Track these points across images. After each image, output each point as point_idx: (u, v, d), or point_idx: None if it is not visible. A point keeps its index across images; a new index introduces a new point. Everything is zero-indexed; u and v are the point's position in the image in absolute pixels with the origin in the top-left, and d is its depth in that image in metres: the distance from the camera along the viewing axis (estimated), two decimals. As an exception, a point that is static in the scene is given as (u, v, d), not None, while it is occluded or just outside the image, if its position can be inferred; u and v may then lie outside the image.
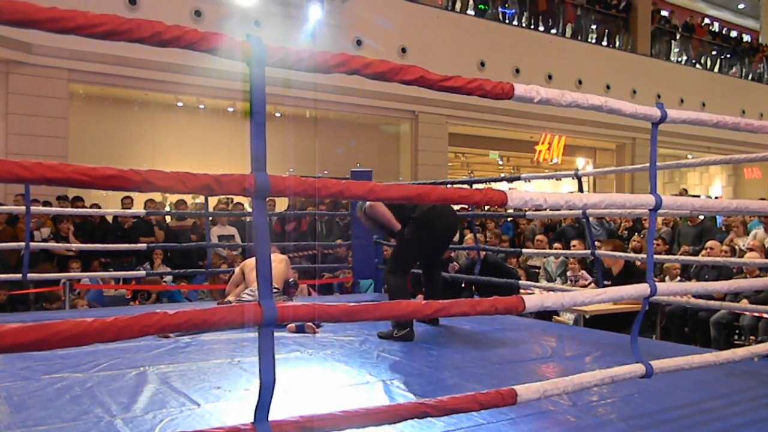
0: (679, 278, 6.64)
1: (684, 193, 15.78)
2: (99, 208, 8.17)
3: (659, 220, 8.15)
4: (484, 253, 6.13)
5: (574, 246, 7.20)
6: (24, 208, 5.24)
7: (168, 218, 9.15)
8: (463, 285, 6.50)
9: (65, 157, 9.28)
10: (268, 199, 1.73)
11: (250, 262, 5.02)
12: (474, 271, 5.94)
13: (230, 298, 4.95)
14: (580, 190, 6.11)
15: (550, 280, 7.40)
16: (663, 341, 5.84)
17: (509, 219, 9.86)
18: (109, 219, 8.43)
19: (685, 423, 2.61)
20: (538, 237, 8.34)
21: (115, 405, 2.65)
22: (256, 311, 1.62)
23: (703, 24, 19.65)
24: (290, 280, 5.01)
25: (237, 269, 5.28)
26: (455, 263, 7.07)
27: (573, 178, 5.47)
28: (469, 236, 7.67)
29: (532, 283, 5.96)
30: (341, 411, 1.74)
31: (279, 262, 5.03)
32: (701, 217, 8.73)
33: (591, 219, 5.74)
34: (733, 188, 20.73)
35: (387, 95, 11.74)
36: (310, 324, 4.32)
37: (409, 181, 11.65)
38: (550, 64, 14.10)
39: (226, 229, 8.57)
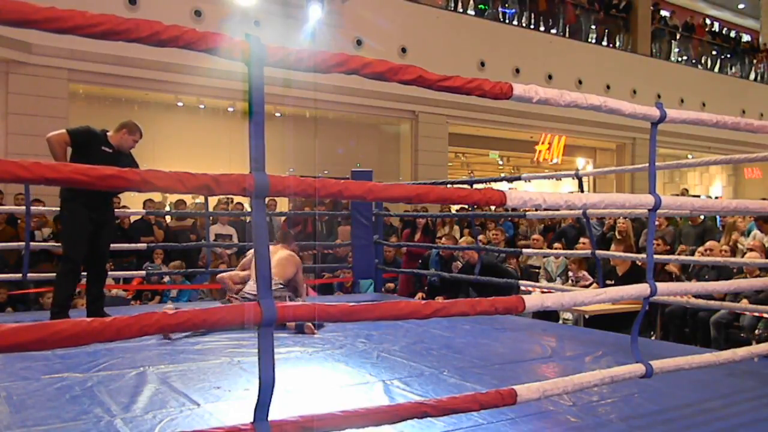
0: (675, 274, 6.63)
1: (684, 193, 15.77)
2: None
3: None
4: (481, 253, 6.12)
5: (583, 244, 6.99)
6: (24, 208, 5.25)
7: (168, 218, 9.15)
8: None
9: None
10: (268, 199, 1.74)
11: None
12: (474, 272, 5.93)
13: (234, 281, 4.96)
14: (581, 189, 6.11)
15: (550, 280, 7.39)
16: (663, 341, 5.84)
17: (509, 219, 9.85)
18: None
19: (685, 423, 2.60)
20: (534, 236, 8.32)
21: (115, 405, 2.65)
22: (255, 311, 1.62)
23: (703, 24, 19.63)
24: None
25: (249, 253, 5.20)
26: (458, 262, 7.06)
27: (573, 178, 5.48)
28: (468, 237, 7.65)
29: (532, 283, 5.95)
30: (341, 411, 1.74)
31: (287, 260, 4.96)
32: (702, 217, 8.71)
33: (592, 219, 5.73)
34: (733, 188, 20.71)
35: (387, 95, 11.74)
36: (309, 324, 4.32)
37: (409, 181, 11.65)
38: (550, 64, 14.09)
39: (225, 229, 8.57)
